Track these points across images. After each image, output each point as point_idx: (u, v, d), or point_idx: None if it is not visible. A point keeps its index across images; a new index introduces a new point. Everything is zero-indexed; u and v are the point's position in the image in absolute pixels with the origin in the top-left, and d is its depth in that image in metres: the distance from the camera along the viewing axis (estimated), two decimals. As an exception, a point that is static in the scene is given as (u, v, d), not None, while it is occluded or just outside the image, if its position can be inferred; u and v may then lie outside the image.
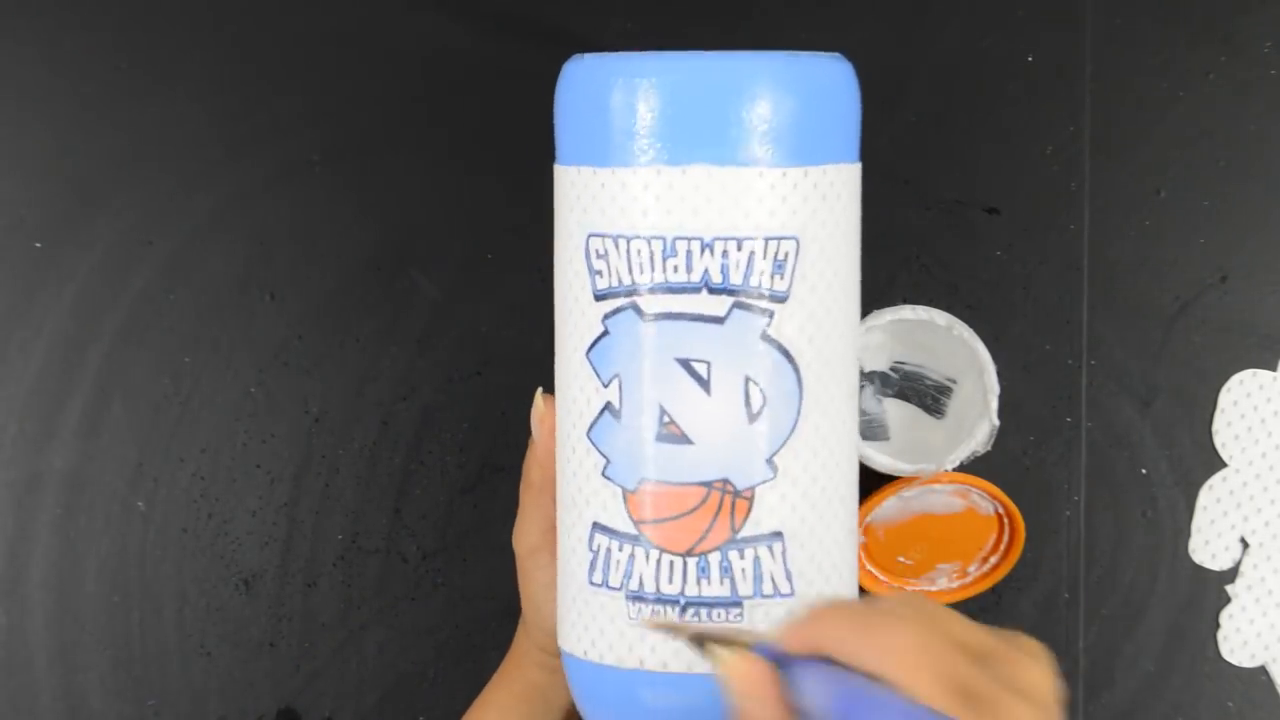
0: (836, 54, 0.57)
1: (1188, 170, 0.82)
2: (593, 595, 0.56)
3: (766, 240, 0.54)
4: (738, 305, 0.54)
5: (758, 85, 0.53)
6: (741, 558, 0.54)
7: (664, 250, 0.54)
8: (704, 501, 0.54)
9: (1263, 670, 0.83)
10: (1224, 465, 0.82)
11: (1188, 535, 0.82)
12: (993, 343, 0.77)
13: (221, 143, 0.82)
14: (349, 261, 0.82)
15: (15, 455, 0.81)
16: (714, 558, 0.54)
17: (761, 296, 0.54)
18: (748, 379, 0.54)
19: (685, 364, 0.54)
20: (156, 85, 0.81)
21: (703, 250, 0.53)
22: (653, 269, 0.54)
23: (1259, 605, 0.82)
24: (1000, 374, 0.76)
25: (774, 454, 0.55)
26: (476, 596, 0.82)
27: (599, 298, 0.55)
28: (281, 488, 0.82)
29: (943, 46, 0.82)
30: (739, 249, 0.53)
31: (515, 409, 0.82)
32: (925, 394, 0.80)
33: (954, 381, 0.80)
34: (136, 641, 0.82)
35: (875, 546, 0.79)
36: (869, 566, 0.79)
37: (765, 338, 0.54)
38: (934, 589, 0.80)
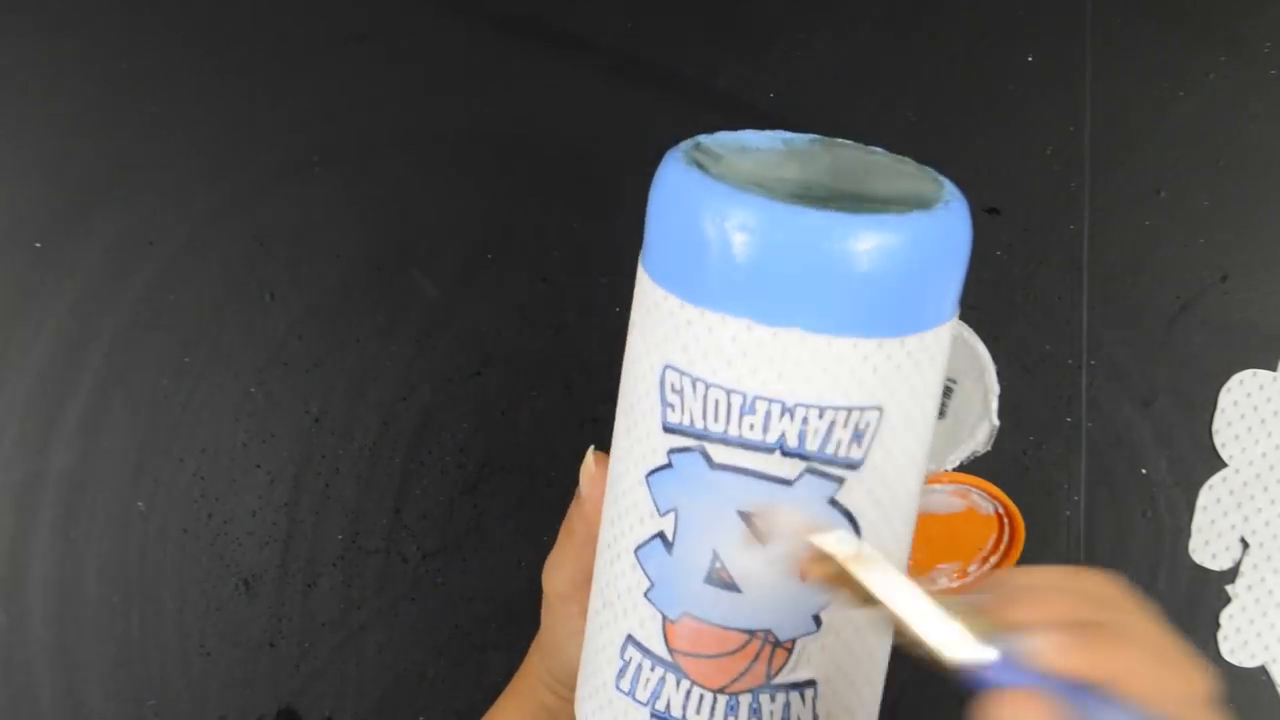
0: (957, 196, 0.53)
1: (1188, 170, 0.82)
2: (618, 699, 0.56)
3: (850, 410, 0.51)
4: (810, 471, 0.52)
5: (870, 255, 0.49)
6: (772, 701, 0.54)
7: (742, 406, 0.51)
8: (744, 647, 0.53)
9: (1263, 670, 0.83)
10: (1224, 465, 0.82)
11: (1188, 535, 0.82)
12: (993, 343, 0.77)
13: (221, 143, 0.82)
14: (349, 261, 0.82)
15: (15, 455, 0.81)
16: (745, 699, 0.54)
17: (834, 464, 0.52)
18: None
19: (746, 518, 0.52)
20: (156, 86, 0.81)
21: (783, 414, 0.51)
22: (728, 421, 0.51)
23: (1259, 605, 0.82)
24: (1000, 374, 0.76)
25: (821, 610, 0.53)
26: (476, 596, 0.82)
27: (668, 430, 0.53)
28: (281, 488, 0.82)
29: (943, 46, 0.82)
30: (820, 417, 0.51)
31: (515, 409, 0.82)
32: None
33: (954, 381, 0.80)
34: (136, 641, 0.82)
35: (875, 546, 0.79)
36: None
37: (832, 503, 0.52)
38: (934, 589, 0.80)
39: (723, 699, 0.54)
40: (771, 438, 0.51)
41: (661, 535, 0.54)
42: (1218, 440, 0.82)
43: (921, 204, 0.51)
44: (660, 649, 0.55)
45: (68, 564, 0.82)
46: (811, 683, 0.54)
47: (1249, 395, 0.82)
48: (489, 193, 0.82)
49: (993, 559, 0.79)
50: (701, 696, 0.54)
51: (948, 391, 0.80)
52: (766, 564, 0.52)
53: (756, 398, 0.51)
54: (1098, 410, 0.82)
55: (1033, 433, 0.82)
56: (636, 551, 0.55)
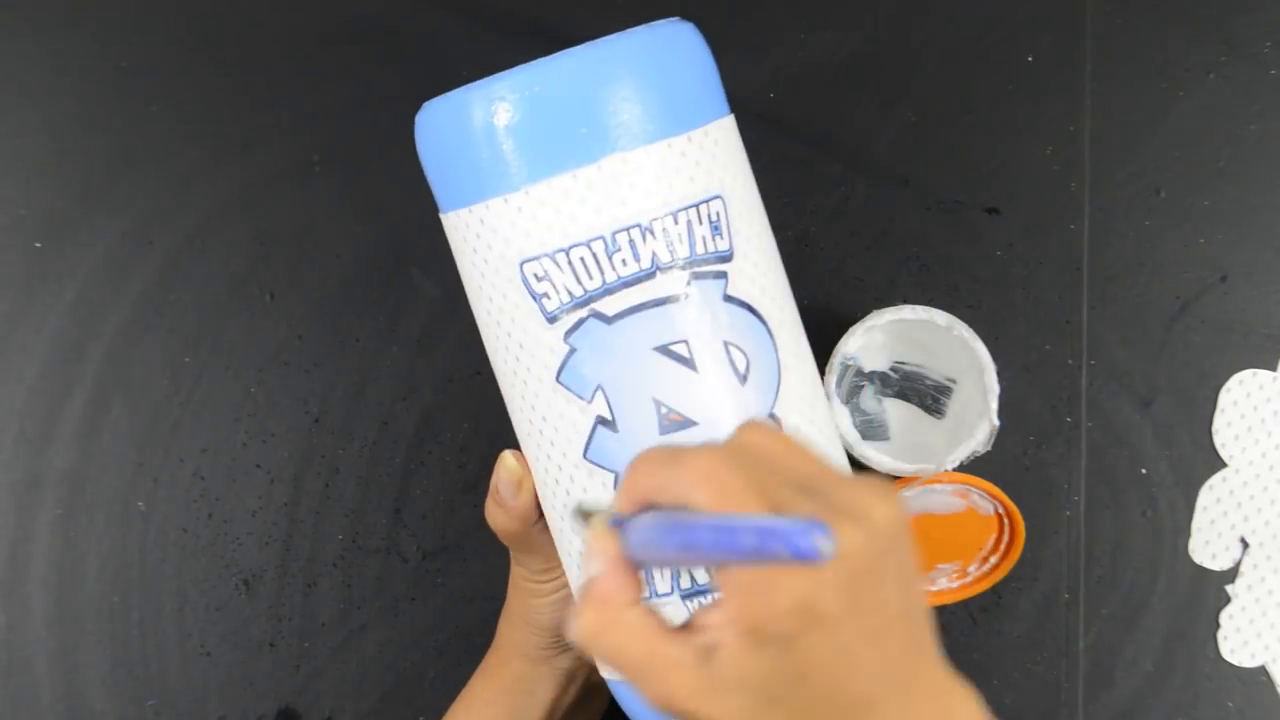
0: (675, 18, 0.58)
1: (1188, 170, 0.82)
2: None
3: (696, 205, 0.54)
4: (694, 277, 0.54)
5: (643, 64, 0.55)
6: None
7: (607, 249, 0.53)
8: None
9: (1263, 670, 0.83)
10: (1224, 465, 0.82)
11: (1188, 535, 0.82)
12: (993, 343, 0.77)
13: (221, 143, 0.82)
14: (349, 261, 0.82)
15: (15, 455, 0.81)
16: None
17: (710, 261, 0.54)
18: (726, 344, 0.54)
19: (665, 350, 0.54)
20: (156, 85, 0.81)
21: (644, 235, 0.53)
22: (601, 271, 0.53)
23: (1259, 605, 0.82)
24: (1000, 374, 0.76)
25: (771, 408, 0.55)
26: (476, 596, 0.82)
27: (551, 319, 0.55)
28: (281, 488, 0.82)
29: (943, 46, 0.82)
30: (675, 222, 0.54)
31: (515, 409, 0.82)
32: (925, 394, 0.80)
33: (954, 381, 0.79)
34: (136, 641, 0.82)
35: (875, 546, 0.79)
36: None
37: (728, 298, 0.54)
38: (934, 589, 0.80)
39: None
40: (645, 263, 0.53)
41: (600, 420, 0.55)
42: (1218, 440, 0.82)
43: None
44: None
45: (68, 564, 0.82)
46: None
47: (1249, 395, 0.82)
48: (489, 193, 0.82)
49: (993, 559, 0.79)
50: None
51: (948, 391, 0.80)
52: (706, 382, 0.54)
53: (614, 233, 0.53)
54: (1098, 410, 0.82)
55: (1033, 433, 0.82)
56: (585, 456, 0.56)
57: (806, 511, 0.42)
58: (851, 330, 0.75)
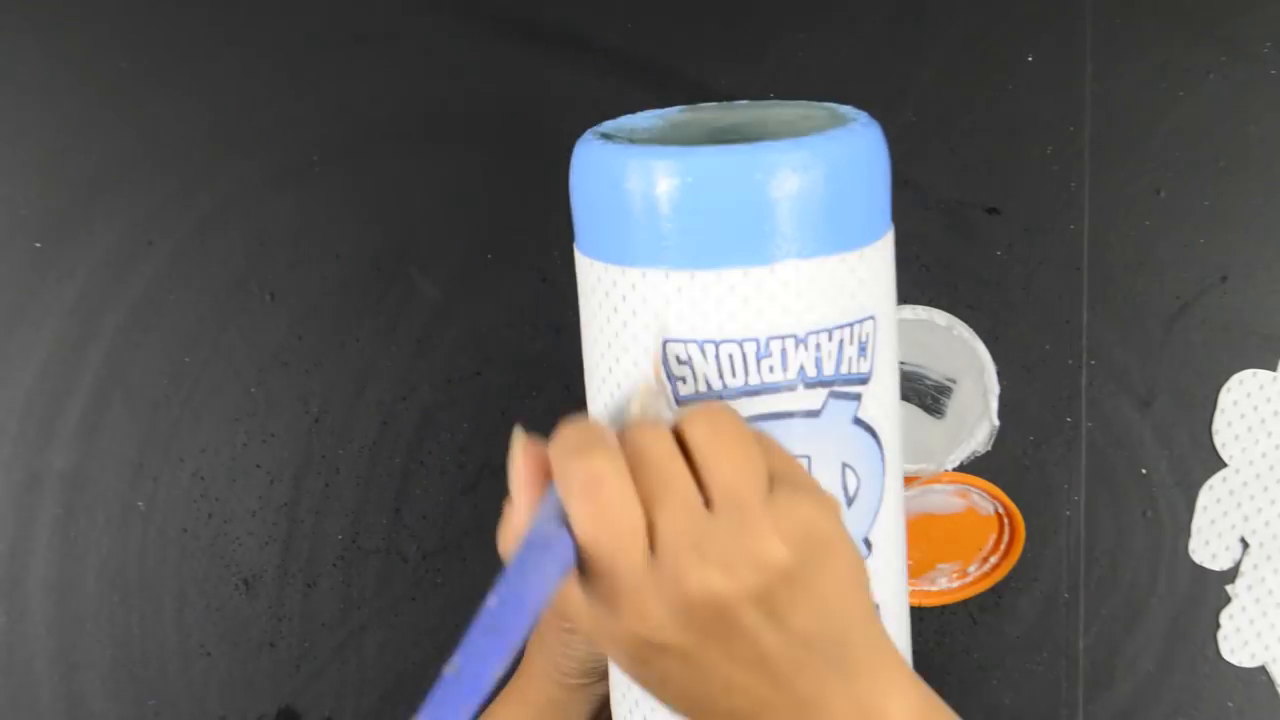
0: (863, 114, 0.55)
1: (1188, 170, 0.82)
2: None
3: (852, 325, 0.52)
4: (832, 395, 0.52)
5: (842, 173, 0.51)
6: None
7: (758, 352, 0.51)
8: None
9: (1263, 670, 0.83)
10: (1224, 465, 0.82)
11: (1188, 535, 0.82)
12: (993, 343, 0.77)
13: (221, 143, 0.82)
14: (349, 261, 0.82)
15: (15, 455, 0.81)
16: None
17: (851, 382, 0.52)
18: (844, 465, 0.53)
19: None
20: (156, 85, 0.81)
21: (797, 346, 0.51)
22: (746, 372, 0.51)
23: (1259, 605, 0.82)
24: (1000, 374, 0.76)
25: (868, 532, 0.54)
26: (476, 596, 0.82)
27: (680, 403, 0.52)
28: (281, 488, 0.82)
29: (943, 46, 0.82)
30: (830, 339, 0.51)
31: (515, 409, 0.82)
32: (925, 394, 0.80)
33: (954, 381, 0.79)
34: (136, 641, 0.82)
35: (875, 546, 0.79)
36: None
37: (856, 421, 0.53)
38: (934, 589, 0.80)
39: None
40: (791, 374, 0.51)
41: None
42: (1218, 440, 0.82)
43: (839, 122, 0.53)
44: None
45: (68, 564, 0.82)
46: (875, 607, 0.54)
47: (1249, 395, 0.82)
48: (489, 192, 0.82)
49: (993, 558, 0.79)
50: None
51: (948, 391, 0.80)
52: None
53: (770, 339, 0.51)
54: (1098, 410, 0.82)
55: (1033, 433, 0.82)
56: None
57: (684, 532, 0.43)
58: (851, 330, 0.75)
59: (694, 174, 0.50)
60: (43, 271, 0.81)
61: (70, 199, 0.81)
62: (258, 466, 0.82)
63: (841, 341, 0.52)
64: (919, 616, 0.82)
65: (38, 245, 0.81)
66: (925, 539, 0.79)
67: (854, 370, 0.52)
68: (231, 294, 0.82)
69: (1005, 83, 0.82)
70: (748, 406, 0.52)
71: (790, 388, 0.51)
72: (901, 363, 0.80)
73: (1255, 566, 0.82)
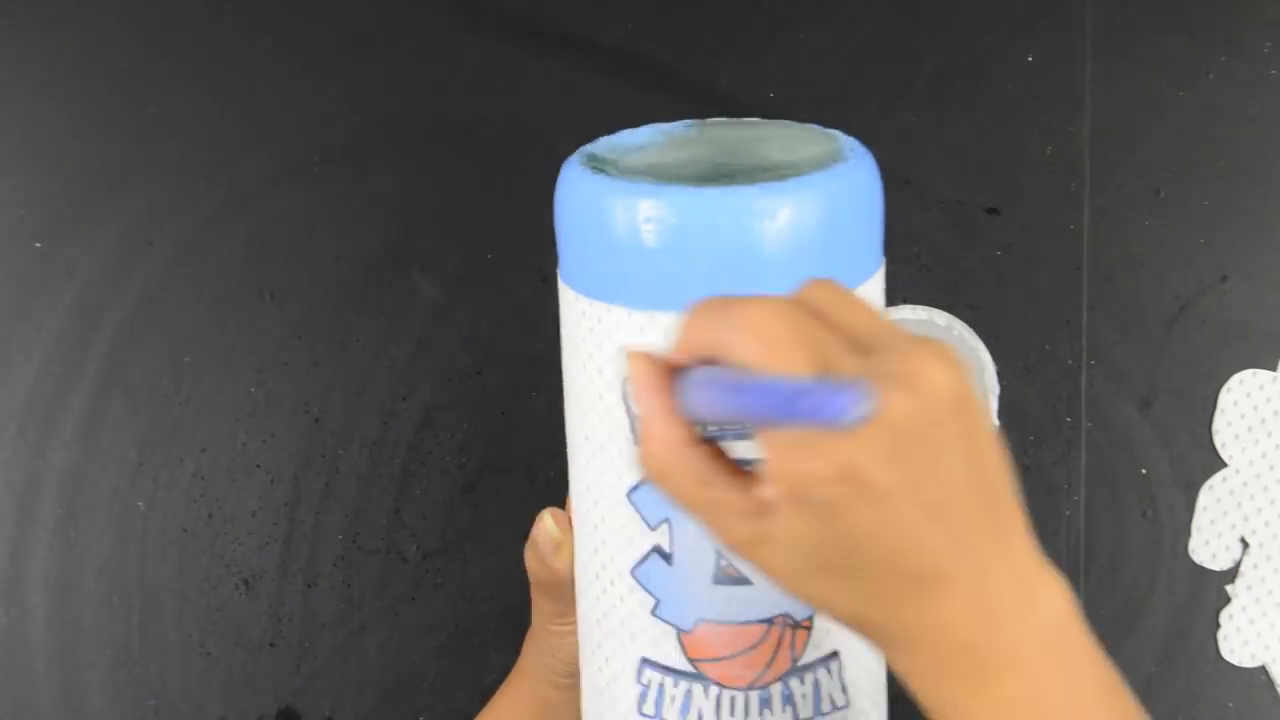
0: (856, 143, 0.54)
1: (1188, 170, 0.82)
2: None
3: None
4: None
5: (817, 214, 0.49)
6: (802, 683, 0.53)
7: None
8: (765, 638, 0.53)
9: (1263, 670, 0.83)
10: (1224, 465, 0.82)
11: (1188, 535, 0.82)
12: (993, 343, 0.77)
13: (221, 143, 0.82)
14: (349, 261, 0.82)
15: (15, 455, 0.81)
16: (776, 688, 0.53)
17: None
18: None
19: None
20: (157, 85, 0.81)
21: None
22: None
23: (1259, 605, 0.82)
24: (1000, 374, 0.76)
25: None
26: (476, 596, 0.82)
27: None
28: (281, 488, 0.82)
29: (943, 46, 0.82)
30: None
31: (515, 409, 0.82)
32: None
33: (954, 381, 0.79)
34: (136, 641, 0.82)
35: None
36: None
37: None
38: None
39: (754, 694, 0.53)
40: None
41: (658, 549, 0.53)
42: (1218, 440, 0.82)
43: (837, 159, 0.52)
44: (680, 662, 0.54)
45: (68, 564, 0.82)
46: (835, 654, 0.53)
47: (1249, 395, 0.82)
48: (489, 192, 0.82)
49: (993, 559, 0.79)
50: (733, 699, 0.53)
51: (948, 391, 0.80)
52: None
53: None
54: (1098, 410, 0.82)
55: (1033, 433, 0.82)
56: (633, 573, 0.54)
57: (858, 370, 0.40)
58: (851, 330, 0.75)
59: (654, 217, 0.49)
60: (43, 271, 0.81)
61: (70, 199, 0.81)
62: (258, 466, 0.82)
63: None
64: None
65: (38, 245, 0.81)
66: (925, 539, 0.79)
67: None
68: (231, 294, 0.82)
69: (1005, 83, 0.82)
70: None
71: (749, 435, 0.50)
72: (901, 363, 0.80)
73: (1255, 566, 0.82)
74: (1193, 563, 0.82)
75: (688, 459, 0.43)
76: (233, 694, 0.82)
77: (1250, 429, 0.82)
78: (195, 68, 0.81)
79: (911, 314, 0.76)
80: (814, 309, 0.42)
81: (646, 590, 0.54)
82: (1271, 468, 0.82)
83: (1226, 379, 0.82)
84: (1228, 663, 0.82)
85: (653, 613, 0.54)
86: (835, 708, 0.54)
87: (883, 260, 0.54)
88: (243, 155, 0.82)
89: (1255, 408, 0.82)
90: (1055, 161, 0.82)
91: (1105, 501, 0.82)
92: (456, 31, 0.81)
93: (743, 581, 0.53)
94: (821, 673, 0.53)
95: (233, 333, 0.82)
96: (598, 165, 0.53)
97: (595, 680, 0.57)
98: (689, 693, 0.54)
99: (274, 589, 0.82)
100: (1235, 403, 0.82)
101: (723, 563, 0.53)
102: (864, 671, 0.55)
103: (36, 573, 0.82)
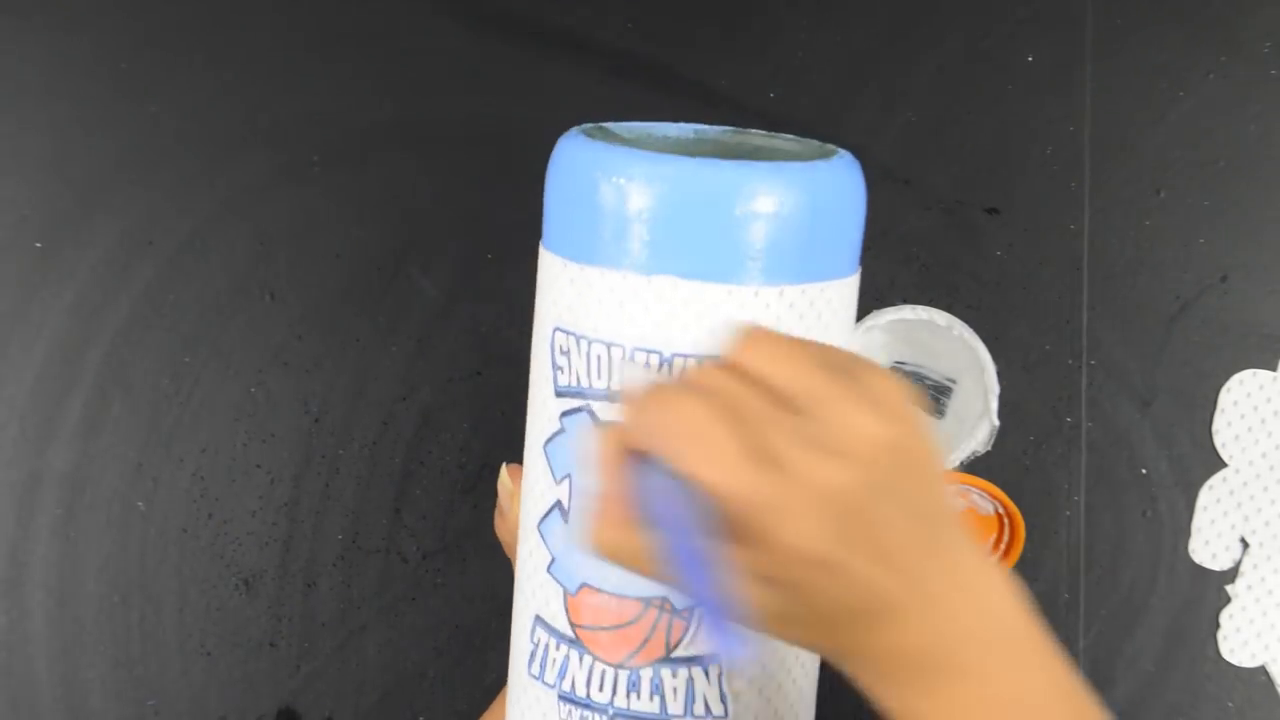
0: (844, 153, 0.53)
1: (1188, 170, 0.82)
2: (530, 687, 0.55)
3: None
4: None
5: (741, 201, 0.49)
6: (674, 676, 0.52)
7: (622, 359, 0.50)
8: (640, 616, 0.52)
9: (1263, 670, 0.83)
10: (1224, 465, 0.82)
11: (1188, 535, 0.82)
12: (993, 343, 0.77)
13: (221, 143, 0.82)
14: (349, 261, 0.82)
15: (15, 455, 0.81)
16: (645, 673, 0.52)
17: None
18: None
19: None
20: (156, 85, 0.81)
21: (661, 365, 0.50)
22: (609, 376, 0.50)
23: (1259, 605, 0.82)
24: (1000, 374, 0.76)
25: None
26: (476, 596, 0.82)
27: (559, 394, 0.52)
28: (281, 488, 0.82)
29: (943, 46, 0.82)
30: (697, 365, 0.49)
31: (515, 409, 0.82)
32: (925, 394, 0.80)
33: (954, 381, 0.80)
34: (136, 641, 0.82)
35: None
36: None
37: None
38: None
39: (624, 674, 0.53)
40: None
41: (559, 504, 0.53)
42: (1218, 440, 0.82)
43: (803, 160, 0.51)
44: (564, 625, 0.53)
45: (68, 564, 0.82)
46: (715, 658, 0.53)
47: (1249, 395, 0.82)
48: (489, 192, 0.82)
49: (993, 559, 0.79)
50: (604, 672, 0.53)
51: (948, 391, 0.80)
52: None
53: (635, 349, 0.50)
54: (1098, 410, 0.82)
55: (1033, 433, 0.82)
56: (539, 526, 0.54)
57: (787, 443, 0.42)
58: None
59: (582, 170, 0.50)
60: (43, 271, 0.81)
61: (70, 199, 0.81)
62: (258, 466, 0.82)
63: None
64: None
65: (38, 245, 0.81)
66: (925, 539, 0.79)
67: None
68: (231, 294, 0.82)
69: (1005, 83, 0.82)
70: (609, 412, 0.51)
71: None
72: (901, 363, 0.80)
73: (1255, 566, 0.82)
74: (1193, 563, 0.82)
75: (635, 540, 0.44)
76: (233, 694, 0.82)
77: (1250, 429, 0.82)
78: (195, 68, 0.81)
79: (912, 314, 0.76)
80: (746, 372, 0.43)
81: (546, 546, 0.54)
82: (1271, 468, 0.82)
83: (1226, 379, 0.82)
84: (1228, 663, 0.82)
85: (548, 569, 0.54)
86: (711, 714, 0.53)
87: (858, 269, 0.54)
88: (243, 155, 0.82)
89: (1255, 408, 0.82)
90: (1055, 161, 0.82)
91: (1105, 501, 0.82)
92: (456, 31, 0.81)
93: None
94: (698, 672, 0.53)
95: (233, 333, 0.82)
96: (595, 134, 0.54)
97: (513, 639, 0.57)
98: (567, 658, 0.54)
99: (274, 589, 0.82)
100: (1235, 403, 0.82)
101: None
102: (752, 688, 0.54)
103: (36, 573, 0.82)
